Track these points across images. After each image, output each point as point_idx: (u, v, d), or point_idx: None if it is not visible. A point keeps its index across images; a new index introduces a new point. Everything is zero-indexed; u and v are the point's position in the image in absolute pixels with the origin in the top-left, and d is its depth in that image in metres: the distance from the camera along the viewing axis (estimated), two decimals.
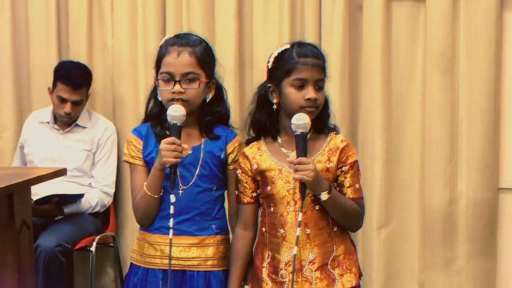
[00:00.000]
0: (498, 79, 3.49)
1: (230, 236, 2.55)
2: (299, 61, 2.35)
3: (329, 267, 2.38)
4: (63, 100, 3.58)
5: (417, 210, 3.57)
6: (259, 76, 3.39)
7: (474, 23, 3.45)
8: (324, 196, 2.29)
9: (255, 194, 2.46)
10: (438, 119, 3.49)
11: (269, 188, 2.40)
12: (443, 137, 3.50)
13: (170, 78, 2.39)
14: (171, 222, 2.30)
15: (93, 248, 3.45)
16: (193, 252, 2.45)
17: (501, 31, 3.48)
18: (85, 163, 3.64)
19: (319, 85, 2.37)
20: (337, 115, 3.39)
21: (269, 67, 2.44)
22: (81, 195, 3.51)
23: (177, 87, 2.37)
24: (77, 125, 3.67)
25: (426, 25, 3.49)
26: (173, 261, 2.39)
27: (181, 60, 2.39)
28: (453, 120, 3.50)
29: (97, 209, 3.61)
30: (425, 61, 3.50)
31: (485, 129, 3.48)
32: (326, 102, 2.44)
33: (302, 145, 2.29)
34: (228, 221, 2.55)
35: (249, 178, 2.45)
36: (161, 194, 2.40)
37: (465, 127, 3.50)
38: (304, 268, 2.37)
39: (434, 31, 3.46)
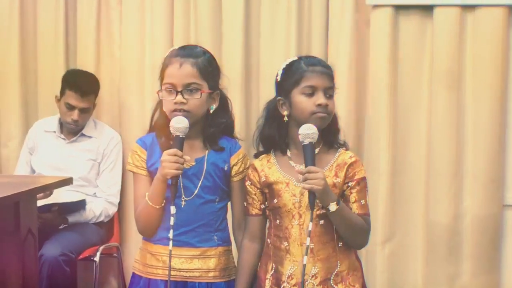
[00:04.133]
0: (504, 95, 3.50)
1: (232, 247, 2.55)
2: (307, 69, 2.36)
3: (331, 282, 2.37)
4: (71, 107, 3.60)
5: (421, 225, 3.57)
6: (266, 88, 3.44)
7: (481, 39, 3.46)
8: (332, 207, 2.28)
9: (263, 206, 2.46)
10: (444, 134, 3.49)
11: (275, 200, 2.40)
12: (449, 152, 3.50)
13: (173, 89, 2.39)
14: (170, 234, 2.30)
15: (97, 258, 3.46)
16: (195, 263, 2.45)
17: (508, 47, 3.49)
18: (90, 173, 3.65)
19: (329, 93, 2.37)
20: (343, 128, 3.42)
21: (278, 80, 2.44)
22: (82, 201, 3.51)
23: (179, 97, 2.38)
24: (83, 134, 3.69)
25: (433, 41, 3.50)
26: (175, 272, 2.40)
27: (183, 71, 2.39)
28: (459, 136, 3.50)
29: (101, 219, 3.62)
30: (431, 76, 3.51)
31: (490, 145, 3.48)
32: (335, 118, 2.45)
33: (310, 155, 2.28)
34: (230, 233, 2.55)
35: (258, 190, 2.45)
36: (163, 205, 2.40)
37: (470, 142, 3.50)
38: (306, 282, 2.35)
39: (441, 46, 3.48)
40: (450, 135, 3.49)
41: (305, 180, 2.24)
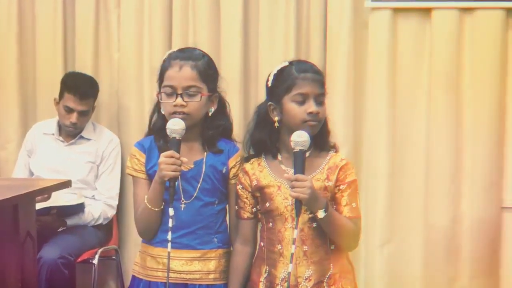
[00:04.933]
0: (502, 98, 3.50)
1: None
2: (299, 76, 2.36)
3: (325, 285, 2.38)
4: (69, 110, 3.59)
5: (420, 228, 3.56)
6: (264, 91, 3.42)
7: (479, 42, 3.46)
8: (320, 214, 2.29)
9: (255, 210, 2.47)
10: (443, 137, 3.49)
11: (268, 204, 2.41)
12: (447, 155, 3.50)
13: (172, 92, 2.40)
14: (169, 236, 2.30)
15: (95, 261, 3.45)
16: (195, 265, 2.45)
17: (506, 50, 3.49)
18: (89, 175, 3.65)
19: (319, 100, 2.38)
20: (342, 131, 3.44)
21: (269, 85, 2.45)
22: (81, 204, 3.50)
23: (179, 100, 2.38)
24: (81, 137, 3.68)
25: (431, 43, 3.50)
26: (175, 275, 2.41)
27: (183, 74, 2.40)
28: (458, 138, 3.50)
29: (100, 222, 3.61)
30: (430, 78, 3.51)
31: (489, 147, 3.48)
32: (325, 120, 2.45)
33: (300, 163, 2.29)
34: (229, 235, 2.56)
35: (249, 194, 2.46)
36: (162, 207, 2.40)
37: (469, 144, 3.50)
38: (300, 285, 2.37)
39: (439, 49, 3.48)
40: (449, 137, 3.50)
41: (292, 187, 2.26)
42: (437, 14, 3.48)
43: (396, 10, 3.52)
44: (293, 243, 2.26)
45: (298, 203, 2.26)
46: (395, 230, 3.57)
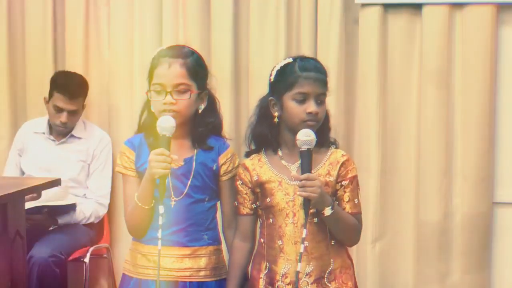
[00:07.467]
0: (493, 93, 3.50)
1: (223, 246, 2.56)
2: (301, 75, 2.36)
3: (325, 281, 2.39)
4: (59, 110, 3.58)
5: (412, 224, 3.57)
6: (255, 88, 3.44)
7: (470, 38, 3.47)
8: (327, 211, 2.29)
9: (254, 206, 2.47)
10: (434, 133, 3.50)
11: (268, 199, 2.40)
12: (438, 151, 3.50)
13: (162, 90, 2.40)
14: (159, 233, 2.31)
15: (87, 259, 3.45)
16: (185, 263, 2.45)
17: (497, 45, 3.50)
18: (80, 174, 3.64)
19: (320, 99, 2.37)
20: (332, 128, 3.43)
21: (271, 80, 2.44)
22: (73, 204, 3.50)
23: (168, 98, 2.38)
24: (72, 135, 3.67)
25: (422, 39, 3.51)
26: (165, 272, 2.41)
27: (172, 72, 2.40)
28: (448, 134, 3.51)
29: (91, 220, 3.61)
30: (420, 75, 3.52)
31: (480, 143, 3.49)
32: (326, 116, 2.45)
33: (307, 161, 2.29)
34: (220, 232, 2.55)
35: (249, 190, 2.45)
36: (152, 205, 2.40)
37: (460, 141, 3.51)
38: (301, 281, 2.37)
39: (430, 44, 3.48)
40: (440, 133, 3.50)
41: (302, 186, 2.25)
42: (428, 10, 3.49)
43: (386, 6, 3.53)
44: (302, 243, 2.27)
45: (307, 203, 2.26)
46: (387, 226, 3.58)
